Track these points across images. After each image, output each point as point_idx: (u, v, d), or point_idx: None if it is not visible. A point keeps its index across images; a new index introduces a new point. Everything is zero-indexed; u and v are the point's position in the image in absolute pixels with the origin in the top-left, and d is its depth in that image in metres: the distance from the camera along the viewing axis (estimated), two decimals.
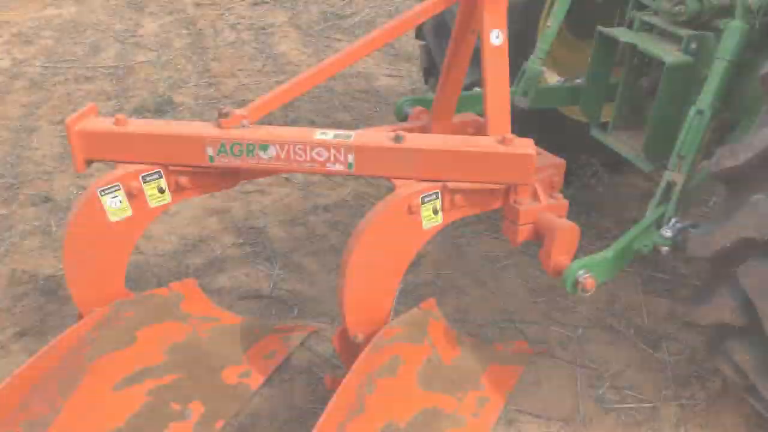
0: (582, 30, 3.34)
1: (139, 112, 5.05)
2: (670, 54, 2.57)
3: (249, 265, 3.31)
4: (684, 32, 2.59)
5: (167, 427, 2.16)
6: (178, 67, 5.99)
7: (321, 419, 1.79)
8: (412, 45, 5.95)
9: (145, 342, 2.24)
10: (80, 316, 2.21)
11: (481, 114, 2.48)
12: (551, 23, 2.88)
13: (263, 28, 7.02)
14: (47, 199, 3.86)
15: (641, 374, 2.70)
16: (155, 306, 2.32)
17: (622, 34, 2.78)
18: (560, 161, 2.48)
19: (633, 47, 2.73)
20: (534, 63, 2.92)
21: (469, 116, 2.90)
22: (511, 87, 2.50)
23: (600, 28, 2.83)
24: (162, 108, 5.08)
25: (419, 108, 2.92)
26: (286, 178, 4.05)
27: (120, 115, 2.17)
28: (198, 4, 7.80)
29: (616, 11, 3.17)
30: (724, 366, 2.22)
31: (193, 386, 2.28)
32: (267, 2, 7.76)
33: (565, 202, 2.31)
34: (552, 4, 2.95)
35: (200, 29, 7.03)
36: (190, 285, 2.50)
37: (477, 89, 2.97)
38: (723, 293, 2.07)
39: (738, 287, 1.99)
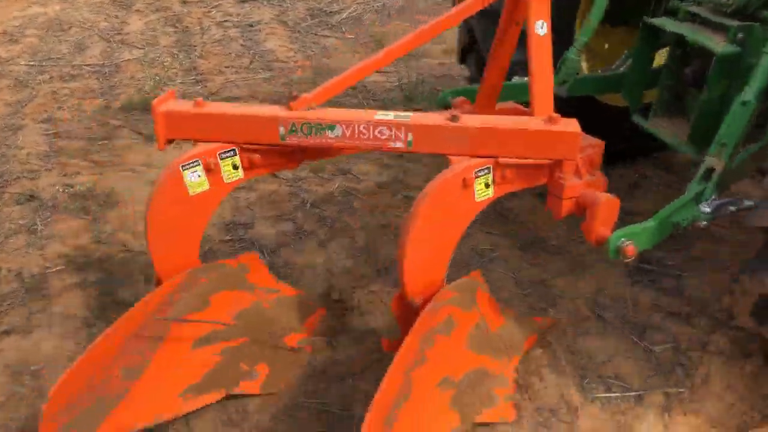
0: (614, 18, 3.35)
1: (126, 110, 5.04)
2: (719, 45, 2.61)
3: None
4: (731, 23, 2.62)
5: (238, 385, 2.43)
6: (165, 64, 5.97)
7: (391, 367, 1.97)
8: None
9: (217, 307, 2.42)
10: (158, 282, 2.41)
11: (521, 104, 2.71)
12: (593, 15, 2.92)
13: (250, 25, 7.01)
14: (32, 198, 3.84)
15: (627, 363, 2.72)
16: (225, 275, 2.50)
17: (668, 24, 2.83)
18: (599, 142, 2.58)
19: (680, 37, 2.79)
20: (573, 53, 2.99)
21: (511, 104, 3.01)
22: None
23: (646, 18, 2.90)
24: (149, 107, 5.06)
25: (461, 98, 3.02)
26: (274, 175, 4.05)
27: (199, 99, 2.39)
28: (185, 2, 7.78)
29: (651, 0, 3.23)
30: None
31: (259, 350, 2.52)
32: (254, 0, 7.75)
33: (605, 179, 2.47)
34: None
35: (186, 26, 7.02)
36: (254, 258, 2.72)
37: (517, 78, 3.09)
38: None
39: None
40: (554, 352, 2.76)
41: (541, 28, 2.50)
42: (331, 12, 7.39)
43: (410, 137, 2.29)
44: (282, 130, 2.29)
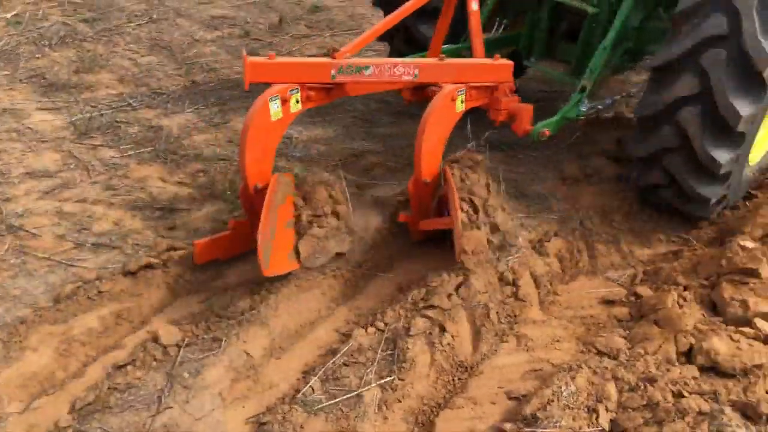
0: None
1: None
2: (590, 7, 4.20)
3: None
4: None
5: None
6: None
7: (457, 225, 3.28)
8: (67, 74, 5.69)
9: (288, 203, 3.35)
10: (244, 181, 3.24)
11: None
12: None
13: None
14: None
15: None
16: (286, 183, 3.36)
17: None
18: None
19: (556, 4, 4.39)
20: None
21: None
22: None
23: None
24: None
25: None
26: None
27: (271, 53, 3.23)
28: None
29: None
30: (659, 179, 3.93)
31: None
32: None
33: (518, 97, 3.78)
34: None
35: None
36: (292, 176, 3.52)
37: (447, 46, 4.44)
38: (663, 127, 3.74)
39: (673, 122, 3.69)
40: None
41: (474, 5, 4.04)
42: None
43: (416, 72, 3.43)
44: (333, 71, 3.23)
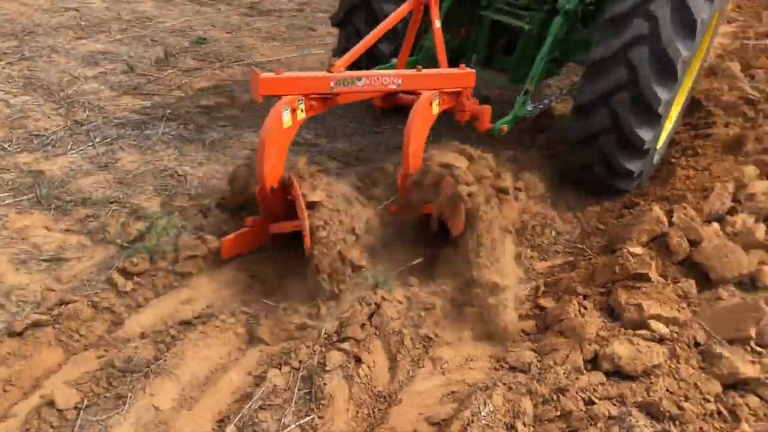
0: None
1: None
2: (526, 25, 4.99)
3: None
4: (524, 12, 5.09)
5: None
6: None
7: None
8: None
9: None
10: (261, 181, 3.58)
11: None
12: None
13: None
14: None
15: None
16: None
17: (491, 14, 5.20)
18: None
19: (497, 21, 5.18)
20: (429, 41, 5.07)
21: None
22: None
23: (481, 12, 5.25)
24: None
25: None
26: None
27: (279, 69, 3.59)
28: None
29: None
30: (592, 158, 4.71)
31: None
32: None
33: (477, 100, 4.42)
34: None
35: None
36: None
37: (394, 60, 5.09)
38: (598, 112, 4.51)
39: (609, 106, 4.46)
40: None
41: (438, 23, 4.70)
42: None
43: (399, 82, 3.98)
44: (332, 83, 3.70)
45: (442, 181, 3.65)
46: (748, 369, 3.10)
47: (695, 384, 3.00)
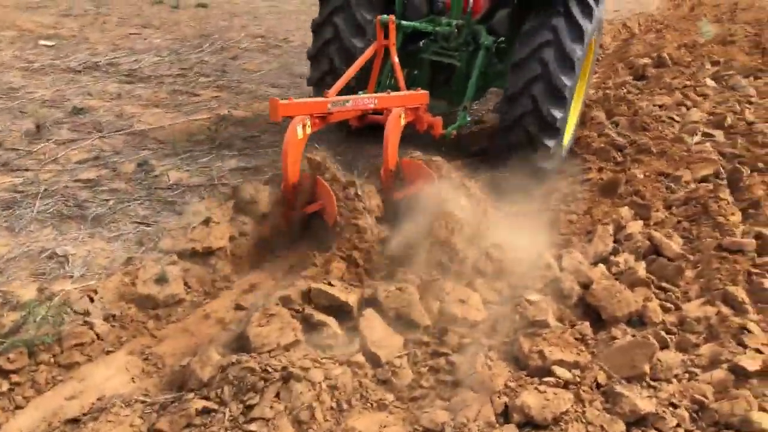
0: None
1: None
2: (459, 63, 6.49)
3: None
4: (454, 53, 6.52)
5: None
6: None
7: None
8: None
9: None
10: (285, 183, 4.63)
11: None
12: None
13: None
14: None
15: None
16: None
17: (430, 56, 6.69)
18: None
19: (435, 61, 6.71)
20: (385, 78, 6.35)
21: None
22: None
23: (421, 55, 6.74)
24: None
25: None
26: None
27: (290, 97, 4.55)
28: None
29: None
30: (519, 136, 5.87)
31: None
32: None
33: (430, 114, 5.65)
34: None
35: None
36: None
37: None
38: (522, 99, 5.80)
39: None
40: None
41: (396, 58, 6.05)
42: None
43: (375, 101, 5.11)
44: (330, 105, 4.77)
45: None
46: (645, 404, 3.23)
47: (601, 426, 3.09)
